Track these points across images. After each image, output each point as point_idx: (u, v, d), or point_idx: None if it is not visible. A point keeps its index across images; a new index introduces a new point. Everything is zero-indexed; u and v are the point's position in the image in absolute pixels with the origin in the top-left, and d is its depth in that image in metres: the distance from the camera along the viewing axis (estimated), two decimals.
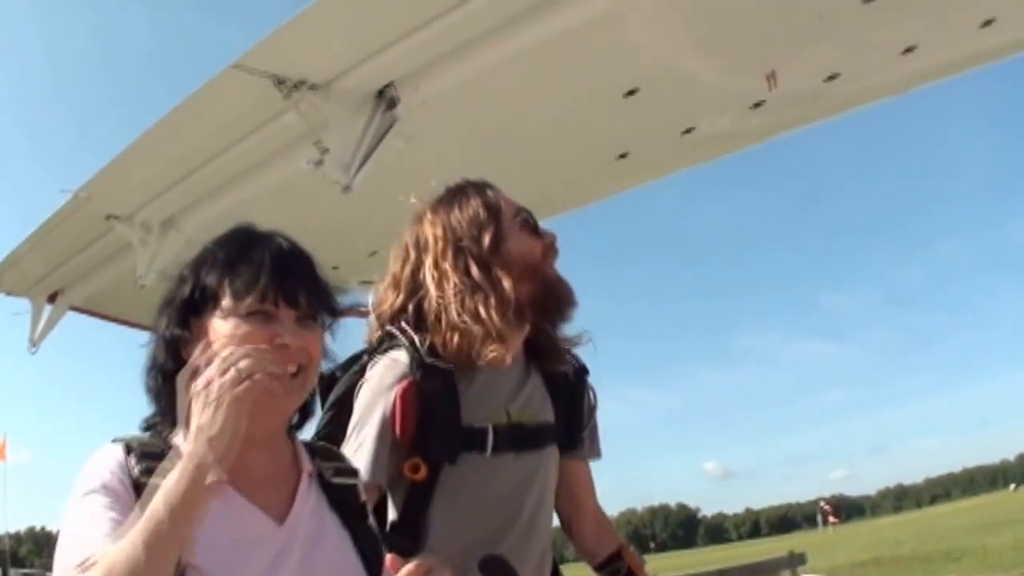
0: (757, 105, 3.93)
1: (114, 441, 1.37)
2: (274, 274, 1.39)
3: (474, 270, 1.94)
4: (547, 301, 1.99)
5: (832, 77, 3.88)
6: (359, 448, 1.89)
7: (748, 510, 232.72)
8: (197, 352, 1.31)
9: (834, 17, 3.41)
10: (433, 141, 3.73)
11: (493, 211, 2.04)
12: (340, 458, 1.62)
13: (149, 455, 1.32)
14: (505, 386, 2.02)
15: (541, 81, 3.58)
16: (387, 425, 1.90)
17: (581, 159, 4.12)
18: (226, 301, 1.39)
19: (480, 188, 2.12)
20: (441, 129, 3.75)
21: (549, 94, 3.69)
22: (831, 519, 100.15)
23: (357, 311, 2.26)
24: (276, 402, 1.36)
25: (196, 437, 1.19)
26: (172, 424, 1.33)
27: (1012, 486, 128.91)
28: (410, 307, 2.02)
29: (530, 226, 2.06)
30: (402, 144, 3.54)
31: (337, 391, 2.04)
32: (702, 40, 3.56)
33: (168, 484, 1.15)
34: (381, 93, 3.41)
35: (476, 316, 1.89)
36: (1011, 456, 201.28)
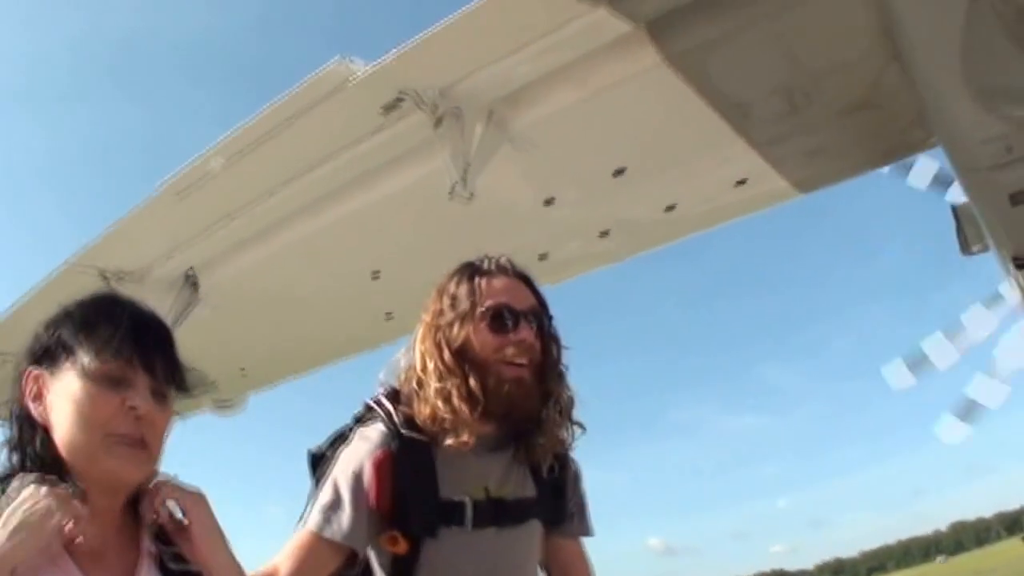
0: None
1: None
2: (134, 335, 1.34)
3: (447, 356, 1.95)
4: (494, 400, 1.92)
5: (543, 257, 5.09)
6: (330, 506, 1.90)
7: None
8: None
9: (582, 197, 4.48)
10: (233, 308, 4.91)
11: (471, 301, 2.00)
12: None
13: None
14: (484, 461, 1.99)
15: (310, 262, 4.76)
16: (363, 493, 1.89)
17: (352, 317, 5.34)
18: (81, 357, 1.32)
19: (473, 274, 2.07)
20: (237, 299, 4.91)
21: (317, 271, 4.88)
22: None
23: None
24: (124, 473, 1.34)
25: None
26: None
27: (939, 558, 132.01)
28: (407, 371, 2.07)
29: (492, 321, 1.97)
30: (208, 312, 4.71)
31: (323, 468, 2.01)
32: (431, 233, 4.77)
33: None
34: (187, 277, 4.60)
35: (447, 400, 1.90)
36: (943, 526, 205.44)
